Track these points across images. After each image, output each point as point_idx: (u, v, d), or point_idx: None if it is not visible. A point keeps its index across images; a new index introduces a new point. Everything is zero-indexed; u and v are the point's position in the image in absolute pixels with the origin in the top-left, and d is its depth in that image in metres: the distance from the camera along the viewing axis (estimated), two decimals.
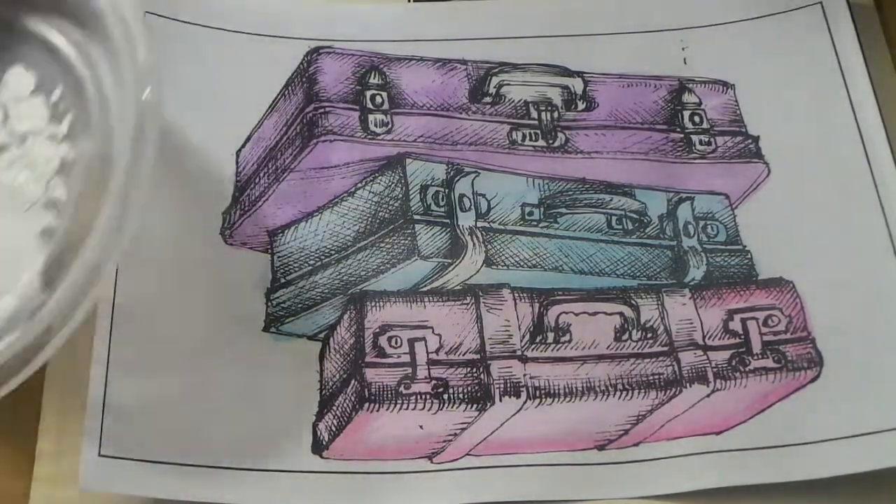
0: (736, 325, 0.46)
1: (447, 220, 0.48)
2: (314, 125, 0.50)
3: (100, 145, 0.43)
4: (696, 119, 0.51)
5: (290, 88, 0.51)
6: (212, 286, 0.47)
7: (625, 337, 0.46)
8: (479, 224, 0.48)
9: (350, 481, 0.43)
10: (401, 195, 0.48)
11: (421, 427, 0.44)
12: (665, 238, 0.49)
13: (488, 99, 0.51)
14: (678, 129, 0.51)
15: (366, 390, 0.44)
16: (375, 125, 0.50)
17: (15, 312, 0.40)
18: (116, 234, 0.39)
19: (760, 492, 0.43)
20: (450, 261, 0.47)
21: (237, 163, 0.50)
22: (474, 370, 0.45)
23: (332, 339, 0.46)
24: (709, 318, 0.46)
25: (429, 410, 0.44)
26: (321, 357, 0.46)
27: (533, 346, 0.45)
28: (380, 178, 0.49)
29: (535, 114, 0.51)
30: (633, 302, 0.47)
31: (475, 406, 0.44)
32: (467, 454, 0.44)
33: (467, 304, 0.46)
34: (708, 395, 0.45)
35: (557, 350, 0.45)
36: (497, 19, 0.54)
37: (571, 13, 0.54)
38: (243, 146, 0.50)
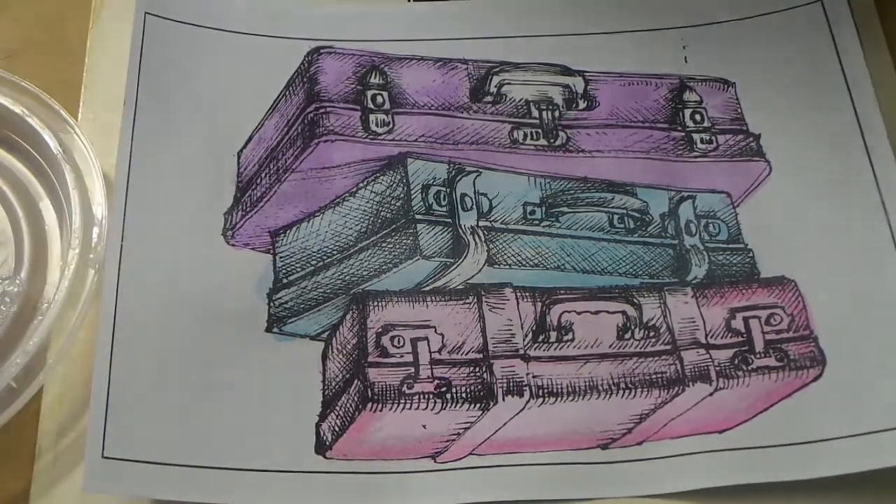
0: (738, 323, 0.46)
1: (449, 220, 0.48)
2: (315, 125, 0.50)
3: (26, 288, 0.47)
4: (698, 117, 0.51)
5: (290, 88, 0.51)
6: (214, 287, 0.47)
7: (627, 336, 0.46)
8: (480, 223, 0.48)
9: (353, 481, 0.43)
10: (402, 195, 0.48)
11: (424, 427, 0.44)
12: (667, 237, 0.49)
13: (489, 98, 0.51)
14: (679, 128, 0.51)
15: (369, 390, 0.44)
16: (376, 125, 0.50)
17: None
18: (24, 379, 0.43)
19: (763, 491, 0.43)
20: (452, 260, 0.47)
21: (238, 163, 0.50)
22: (477, 369, 0.45)
23: (334, 339, 0.46)
24: (711, 316, 0.46)
25: (432, 410, 0.44)
26: (324, 357, 0.46)
27: (536, 345, 0.45)
28: (381, 177, 0.49)
29: (536, 113, 0.51)
30: (635, 301, 0.47)
31: (478, 405, 0.44)
32: (471, 454, 0.44)
33: (470, 303, 0.46)
34: (711, 394, 0.45)
35: (560, 349, 0.45)
36: (497, 18, 0.54)
37: (572, 12, 0.54)
38: (244, 147, 0.50)
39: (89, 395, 0.44)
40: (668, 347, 0.46)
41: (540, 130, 0.51)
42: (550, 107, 0.51)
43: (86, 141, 0.49)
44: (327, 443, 0.44)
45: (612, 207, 0.49)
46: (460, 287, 0.47)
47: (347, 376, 0.45)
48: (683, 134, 0.51)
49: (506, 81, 0.52)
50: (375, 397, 0.44)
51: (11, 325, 0.46)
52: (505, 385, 0.45)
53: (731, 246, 0.48)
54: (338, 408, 0.44)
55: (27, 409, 0.44)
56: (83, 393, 0.45)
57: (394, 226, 0.48)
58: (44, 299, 0.47)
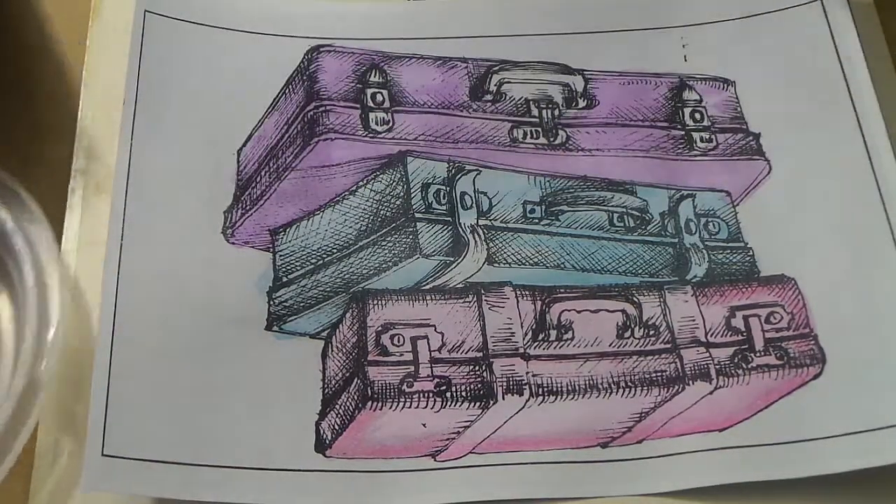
0: (738, 322, 0.46)
1: (449, 219, 0.48)
2: (315, 124, 0.50)
3: None
4: (697, 116, 0.51)
5: (290, 87, 0.51)
6: (214, 285, 0.47)
7: (627, 334, 0.46)
8: (480, 222, 0.48)
9: (353, 480, 0.43)
10: (402, 193, 0.48)
11: (424, 425, 0.44)
12: (667, 235, 0.49)
13: (489, 97, 0.51)
14: (679, 127, 0.51)
15: (368, 389, 0.44)
16: (376, 123, 0.50)
17: None
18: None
19: (763, 489, 0.43)
20: (451, 259, 0.47)
21: (238, 162, 0.50)
22: (477, 368, 0.45)
23: (334, 337, 0.46)
24: (711, 315, 0.46)
25: (431, 408, 0.44)
26: (323, 356, 0.46)
27: (535, 343, 0.45)
28: (381, 176, 0.49)
29: (535, 111, 0.51)
30: (635, 299, 0.47)
31: (478, 404, 0.44)
32: (470, 452, 0.44)
33: (469, 302, 0.46)
34: (711, 393, 0.45)
35: (560, 348, 0.45)
36: (497, 17, 0.54)
37: (572, 10, 0.54)
38: (244, 145, 0.50)
39: (88, 393, 0.44)
40: (668, 346, 0.46)
41: (539, 129, 0.51)
42: (550, 105, 0.51)
43: (50, 234, 0.47)
44: (327, 441, 0.44)
45: (612, 206, 0.49)
46: (460, 286, 0.47)
47: (347, 375, 0.45)
48: (683, 132, 0.51)
49: (505, 80, 0.52)
50: (375, 396, 0.44)
51: None
52: (505, 384, 0.45)
53: (730, 244, 0.48)
54: (337, 406, 0.44)
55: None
56: (83, 390, 0.44)
57: (393, 224, 0.48)
58: None
